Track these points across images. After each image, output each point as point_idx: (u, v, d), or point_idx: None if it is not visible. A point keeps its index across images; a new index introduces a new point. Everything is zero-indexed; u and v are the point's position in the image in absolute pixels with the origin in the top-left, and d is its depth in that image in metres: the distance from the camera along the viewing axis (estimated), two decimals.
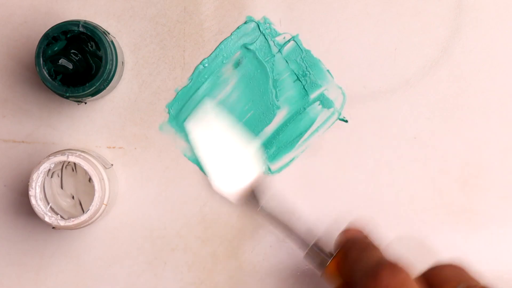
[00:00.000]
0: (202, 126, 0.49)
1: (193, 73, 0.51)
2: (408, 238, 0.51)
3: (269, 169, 0.52)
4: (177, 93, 0.51)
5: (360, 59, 0.51)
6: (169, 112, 0.51)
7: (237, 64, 0.51)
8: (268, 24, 0.51)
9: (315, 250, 0.46)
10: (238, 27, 0.51)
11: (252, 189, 0.47)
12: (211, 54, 0.51)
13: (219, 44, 0.51)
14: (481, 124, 0.52)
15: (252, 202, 0.47)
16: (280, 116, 0.51)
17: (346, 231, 0.47)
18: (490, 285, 0.41)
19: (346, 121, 0.52)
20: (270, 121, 0.51)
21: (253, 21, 0.51)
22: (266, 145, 0.51)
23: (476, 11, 0.52)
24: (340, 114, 0.52)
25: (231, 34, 0.51)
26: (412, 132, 0.51)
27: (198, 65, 0.51)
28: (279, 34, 0.51)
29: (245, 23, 0.51)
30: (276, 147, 0.51)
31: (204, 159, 0.49)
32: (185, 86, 0.51)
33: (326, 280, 0.46)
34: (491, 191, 0.51)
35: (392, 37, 0.52)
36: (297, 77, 0.51)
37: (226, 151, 0.48)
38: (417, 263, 0.43)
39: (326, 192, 0.51)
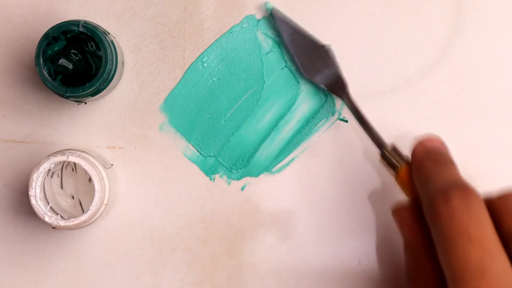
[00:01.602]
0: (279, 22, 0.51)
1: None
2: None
3: (269, 169, 0.52)
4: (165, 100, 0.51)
5: (360, 59, 0.51)
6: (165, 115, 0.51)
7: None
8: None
9: (390, 153, 0.47)
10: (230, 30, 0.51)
11: (339, 75, 0.50)
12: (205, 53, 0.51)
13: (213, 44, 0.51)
14: (481, 124, 0.52)
15: (339, 89, 0.50)
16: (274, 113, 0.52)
17: (424, 140, 0.45)
18: None
19: (346, 121, 0.52)
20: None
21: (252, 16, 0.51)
22: (267, 144, 0.51)
23: (476, 11, 0.52)
24: (340, 114, 0.52)
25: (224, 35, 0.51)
26: (412, 132, 0.51)
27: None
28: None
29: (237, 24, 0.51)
30: (276, 146, 0.52)
31: (292, 49, 0.50)
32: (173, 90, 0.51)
33: (399, 186, 0.46)
34: (491, 191, 0.51)
35: (392, 37, 0.52)
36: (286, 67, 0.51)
37: (307, 44, 0.51)
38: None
39: (326, 192, 0.51)
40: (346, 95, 0.50)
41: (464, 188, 0.39)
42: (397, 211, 0.45)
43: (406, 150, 0.51)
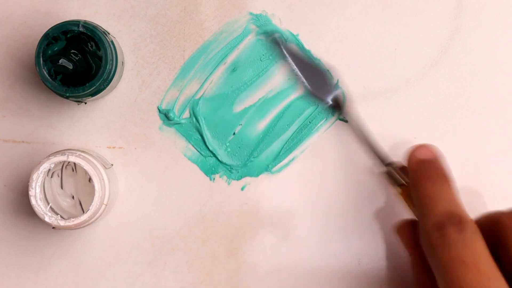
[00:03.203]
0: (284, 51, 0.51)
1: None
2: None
3: (269, 169, 0.52)
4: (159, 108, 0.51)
5: (360, 59, 0.51)
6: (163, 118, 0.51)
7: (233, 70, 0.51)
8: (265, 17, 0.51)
9: (391, 170, 0.48)
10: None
11: (341, 95, 0.51)
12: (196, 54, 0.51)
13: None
14: (481, 124, 0.52)
15: (339, 107, 0.51)
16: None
17: (416, 150, 0.46)
18: None
19: (346, 121, 0.51)
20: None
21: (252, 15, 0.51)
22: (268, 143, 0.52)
23: (476, 11, 0.52)
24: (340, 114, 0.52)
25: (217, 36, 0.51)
26: (412, 132, 0.51)
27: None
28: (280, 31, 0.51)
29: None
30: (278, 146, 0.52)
31: (298, 71, 0.51)
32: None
33: (403, 203, 0.47)
34: (491, 191, 0.51)
35: (392, 37, 0.52)
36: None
37: (309, 64, 0.51)
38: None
39: (326, 192, 0.51)
40: (350, 115, 0.50)
41: (458, 221, 0.41)
42: (400, 230, 0.46)
43: (406, 151, 0.51)
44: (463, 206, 0.43)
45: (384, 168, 0.49)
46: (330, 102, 0.50)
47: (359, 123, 0.50)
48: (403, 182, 0.47)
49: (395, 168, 0.48)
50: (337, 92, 0.51)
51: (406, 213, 0.50)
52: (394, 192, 0.48)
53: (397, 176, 0.48)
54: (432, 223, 0.41)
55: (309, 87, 0.51)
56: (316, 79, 0.51)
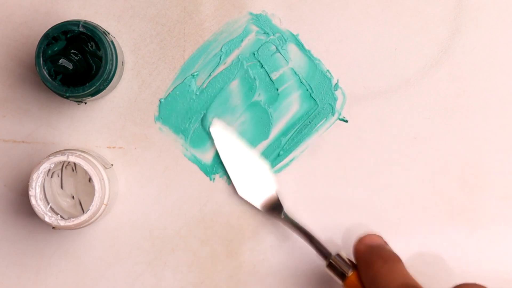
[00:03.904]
0: (219, 140, 0.51)
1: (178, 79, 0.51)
2: (423, 254, 0.51)
3: (269, 169, 0.52)
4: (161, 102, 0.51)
5: (360, 59, 0.51)
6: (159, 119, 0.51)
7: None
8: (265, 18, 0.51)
9: (336, 261, 0.47)
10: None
11: (276, 197, 0.50)
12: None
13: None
14: (481, 124, 0.52)
15: (275, 209, 0.50)
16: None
17: (364, 237, 0.46)
18: None
19: (346, 121, 0.51)
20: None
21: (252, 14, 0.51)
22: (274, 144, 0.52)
23: (476, 11, 0.52)
24: (340, 114, 0.52)
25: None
26: (412, 132, 0.51)
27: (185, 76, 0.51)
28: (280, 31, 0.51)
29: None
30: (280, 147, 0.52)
31: (229, 168, 0.51)
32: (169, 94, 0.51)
33: None
34: (491, 191, 0.51)
35: (392, 37, 0.52)
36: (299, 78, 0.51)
37: (245, 163, 0.51)
38: (435, 282, 0.42)
39: (326, 192, 0.51)
40: (283, 215, 0.50)
41: None
42: None
43: (406, 151, 0.51)
44: (416, 281, 0.43)
45: (326, 261, 0.48)
46: (259, 207, 0.50)
47: (297, 222, 0.50)
48: (346, 272, 0.46)
49: (336, 259, 0.47)
50: (268, 193, 0.50)
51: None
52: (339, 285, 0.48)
53: (340, 267, 0.47)
54: None
55: (235, 187, 0.50)
56: (246, 174, 0.50)
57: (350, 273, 0.46)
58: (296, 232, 0.50)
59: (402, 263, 0.44)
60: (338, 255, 0.47)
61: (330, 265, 0.47)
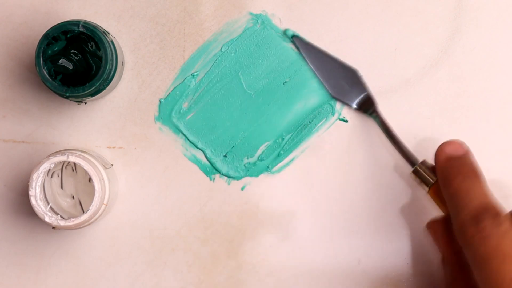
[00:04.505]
0: (304, 49, 0.51)
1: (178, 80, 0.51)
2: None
3: (269, 169, 0.52)
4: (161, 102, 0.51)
5: (360, 59, 0.51)
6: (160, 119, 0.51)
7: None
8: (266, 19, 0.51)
9: (422, 168, 0.48)
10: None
11: (368, 95, 0.51)
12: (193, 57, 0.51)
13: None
14: (481, 124, 0.52)
15: (369, 107, 0.51)
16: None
17: (446, 145, 0.46)
18: None
19: (346, 121, 0.52)
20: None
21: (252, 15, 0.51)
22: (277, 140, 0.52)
23: (476, 11, 0.52)
24: (340, 114, 0.52)
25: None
26: (412, 132, 0.51)
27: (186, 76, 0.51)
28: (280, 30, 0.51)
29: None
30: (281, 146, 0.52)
31: (318, 72, 0.51)
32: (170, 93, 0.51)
33: (432, 201, 0.47)
34: (491, 191, 0.51)
35: (392, 37, 0.52)
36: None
37: (332, 66, 0.51)
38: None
39: (326, 192, 0.51)
40: (376, 114, 0.50)
41: (495, 213, 0.40)
42: (432, 226, 0.46)
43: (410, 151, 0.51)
44: (496, 200, 0.43)
45: (411, 168, 0.48)
46: (353, 104, 0.50)
47: (388, 124, 0.50)
48: (431, 180, 0.47)
49: (422, 167, 0.48)
50: (360, 92, 0.50)
51: (405, 210, 0.50)
52: (422, 193, 0.48)
53: (425, 175, 0.47)
54: (468, 217, 0.41)
55: (329, 90, 0.51)
56: (337, 77, 0.51)
57: (435, 182, 0.46)
58: (384, 133, 0.50)
59: (483, 179, 0.44)
60: (424, 162, 0.48)
61: (416, 172, 0.48)
